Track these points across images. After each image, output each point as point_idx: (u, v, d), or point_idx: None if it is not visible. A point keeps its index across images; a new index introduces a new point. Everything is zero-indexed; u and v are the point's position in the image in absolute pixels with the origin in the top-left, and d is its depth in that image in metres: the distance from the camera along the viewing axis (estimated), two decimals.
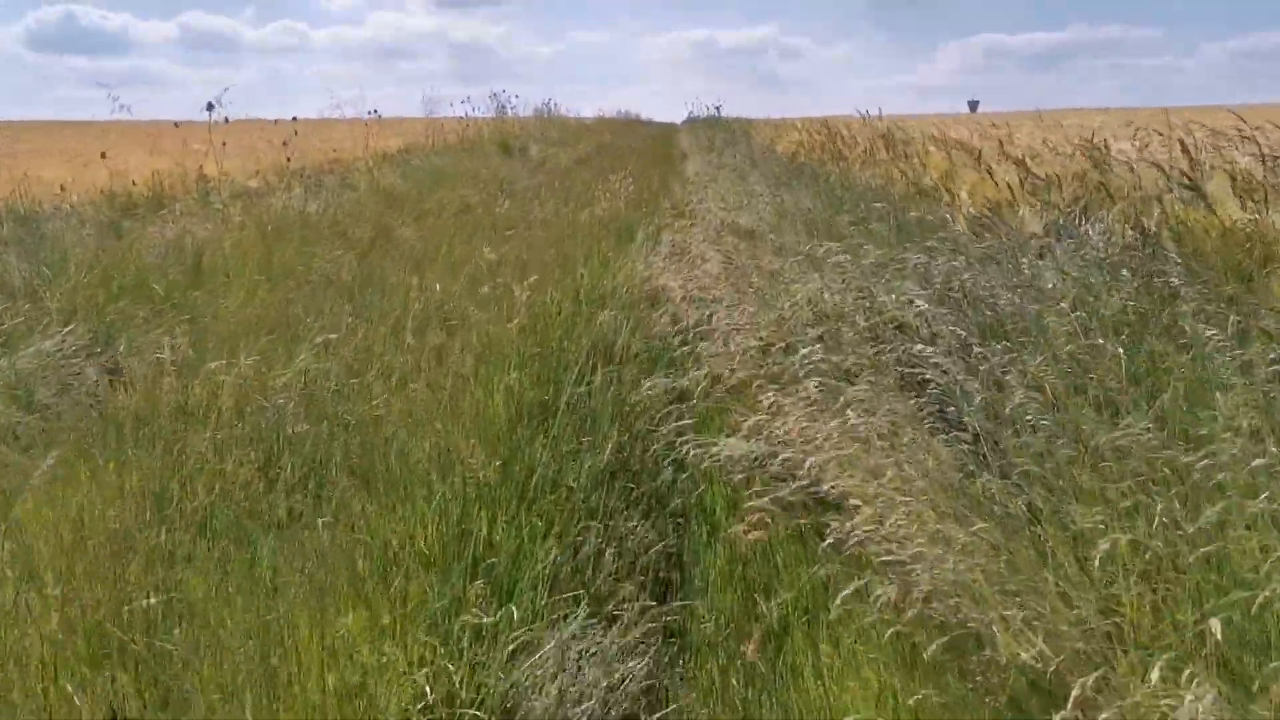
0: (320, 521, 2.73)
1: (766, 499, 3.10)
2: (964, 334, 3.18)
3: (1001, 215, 6.50)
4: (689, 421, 3.74)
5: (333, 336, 4.02)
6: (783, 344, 3.54)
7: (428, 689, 2.17)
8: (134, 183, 8.94)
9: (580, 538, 2.93)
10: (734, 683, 2.41)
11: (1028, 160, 7.39)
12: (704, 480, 3.34)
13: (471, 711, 2.19)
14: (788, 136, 20.39)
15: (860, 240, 5.17)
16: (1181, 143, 5.70)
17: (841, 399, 2.99)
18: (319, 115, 15.25)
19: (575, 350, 4.16)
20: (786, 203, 8.57)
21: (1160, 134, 7.16)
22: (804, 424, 3.04)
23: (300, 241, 8.10)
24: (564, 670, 2.39)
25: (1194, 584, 2.15)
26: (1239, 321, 3.15)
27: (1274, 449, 2.40)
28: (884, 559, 2.45)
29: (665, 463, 3.52)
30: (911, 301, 3.65)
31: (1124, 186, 5.46)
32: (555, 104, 30.16)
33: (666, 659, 2.63)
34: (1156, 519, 2.22)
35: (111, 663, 2.19)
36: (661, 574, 3.03)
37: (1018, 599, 2.21)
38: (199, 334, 4.91)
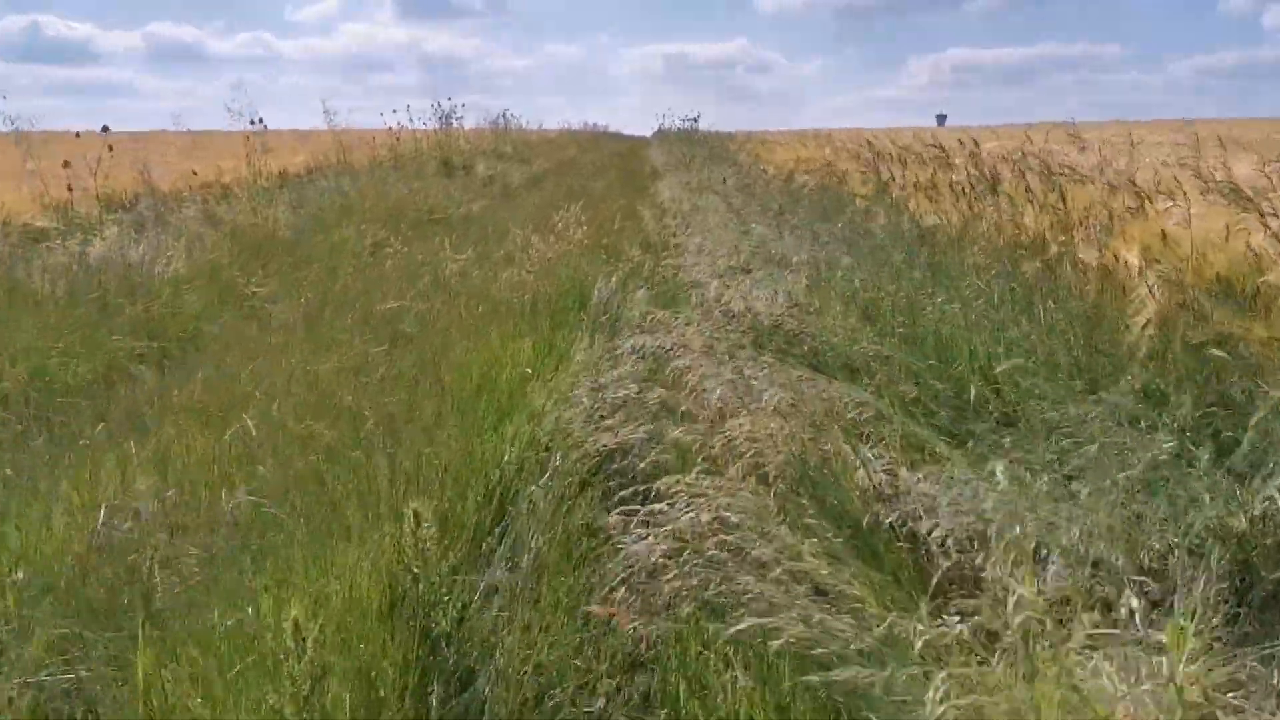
0: None
1: None
2: None
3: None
4: None
5: None
6: None
7: None
8: None
9: None
10: None
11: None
12: None
13: None
14: (776, 154, 17.35)
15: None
16: None
17: None
18: (179, 128, 11.96)
19: None
20: (821, 261, 5.45)
21: None
22: None
23: (36, 334, 4.85)
24: None
25: None
26: None
27: None
28: None
29: None
30: None
31: None
32: (511, 115, 26.93)
33: None
34: None
35: None
36: None
37: None
38: None
